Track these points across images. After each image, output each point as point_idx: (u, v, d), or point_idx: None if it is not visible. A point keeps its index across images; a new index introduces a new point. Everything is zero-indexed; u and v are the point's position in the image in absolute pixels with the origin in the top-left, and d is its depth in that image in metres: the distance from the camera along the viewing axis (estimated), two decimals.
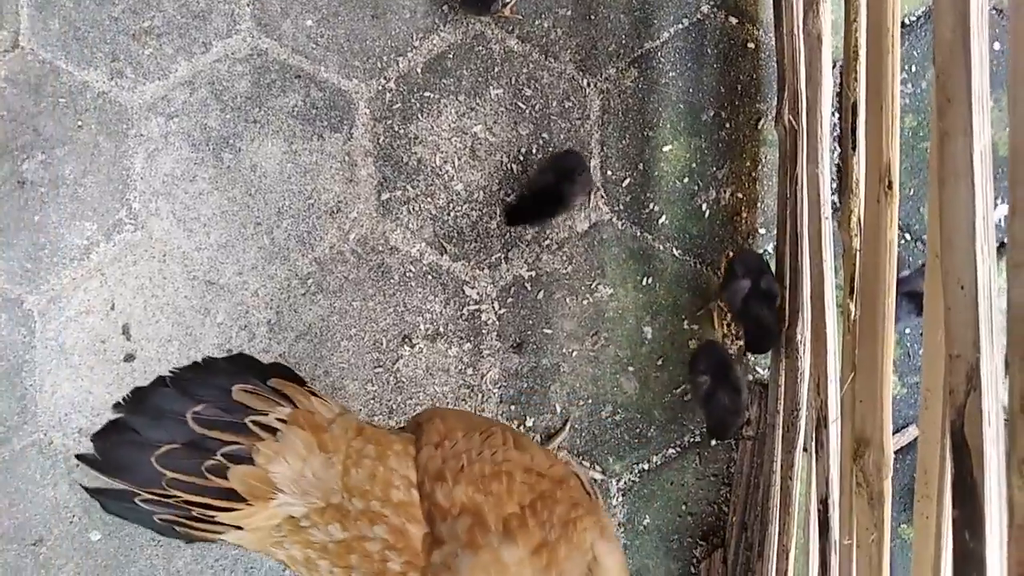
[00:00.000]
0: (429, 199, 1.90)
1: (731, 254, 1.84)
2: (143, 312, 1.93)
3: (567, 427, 1.87)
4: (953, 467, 0.82)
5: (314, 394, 1.28)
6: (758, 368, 1.87)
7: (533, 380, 1.89)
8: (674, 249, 1.88)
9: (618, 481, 1.87)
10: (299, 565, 1.22)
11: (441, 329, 1.90)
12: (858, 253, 1.17)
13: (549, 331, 1.89)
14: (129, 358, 1.93)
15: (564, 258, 1.89)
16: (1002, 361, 0.78)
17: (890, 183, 1.02)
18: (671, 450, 1.87)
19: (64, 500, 1.91)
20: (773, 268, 1.72)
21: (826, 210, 1.32)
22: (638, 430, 1.87)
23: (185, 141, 1.93)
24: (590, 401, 1.88)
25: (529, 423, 1.88)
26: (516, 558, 1.15)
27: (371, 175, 1.91)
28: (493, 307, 1.90)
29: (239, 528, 1.21)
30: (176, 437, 1.20)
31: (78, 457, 1.21)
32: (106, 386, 1.93)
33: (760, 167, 1.87)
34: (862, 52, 1.13)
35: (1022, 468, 0.68)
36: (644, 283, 1.88)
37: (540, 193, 1.80)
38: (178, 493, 1.19)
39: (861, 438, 1.08)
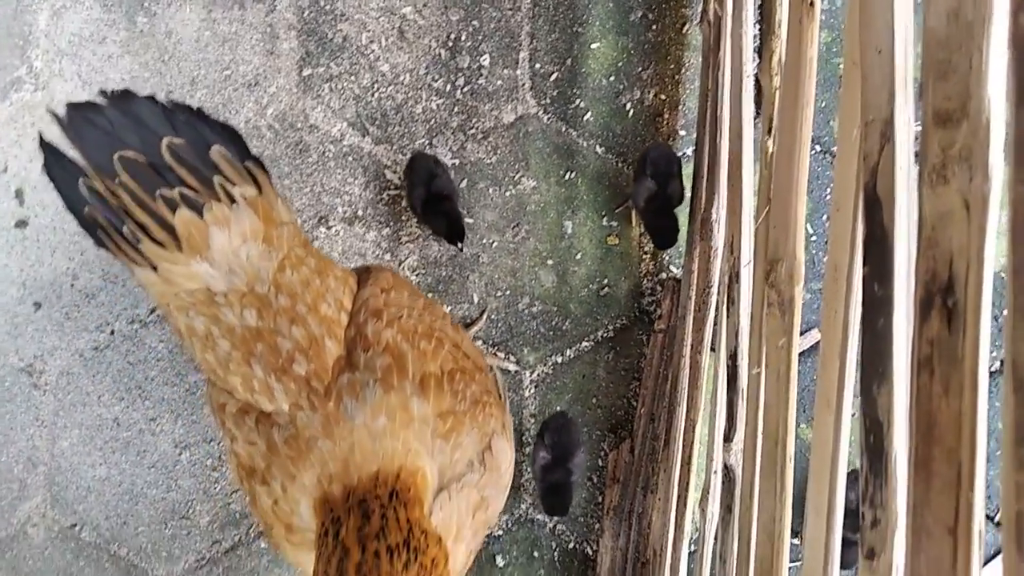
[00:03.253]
0: (353, 78, 1.86)
1: (643, 152, 1.86)
2: (39, 177, 1.81)
3: (484, 317, 1.86)
4: (865, 227, 0.85)
5: (282, 199, 1.25)
6: (672, 267, 1.91)
7: (452, 269, 1.87)
8: (597, 146, 1.90)
9: (531, 372, 1.87)
10: (195, 338, 1.16)
11: (359, 212, 1.86)
12: (777, 92, 1.21)
13: (470, 220, 1.87)
14: (21, 224, 1.81)
15: (489, 148, 1.88)
16: (914, 111, 0.82)
17: (812, 2, 1.06)
18: (585, 343, 1.88)
19: None
20: (692, 153, 1.76)
21: (748, 68, 1.36)
22: (554, 323, 1.88)
23: (96, 0, 1.83)
24: (508, 292, 1.88)
25: (446, 311, 1.86)
26: (423, 413, 1.13)
27: (293, 49, 1.85)
28: None
29: (154, 268, 1.14)
30: (145, 152, 1.12)
31: (48, 109, 1.14)
32: None
33: (684, 70, 1.91)
34: None
35: (932, 177, 0.70)
36: (566, 178, 1.89)
37: (426, 207, 1.77)
38: (124, 197, 1.11)
39: (774, 259, 1.11)
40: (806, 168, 1.09)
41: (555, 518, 1.85)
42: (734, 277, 1.37)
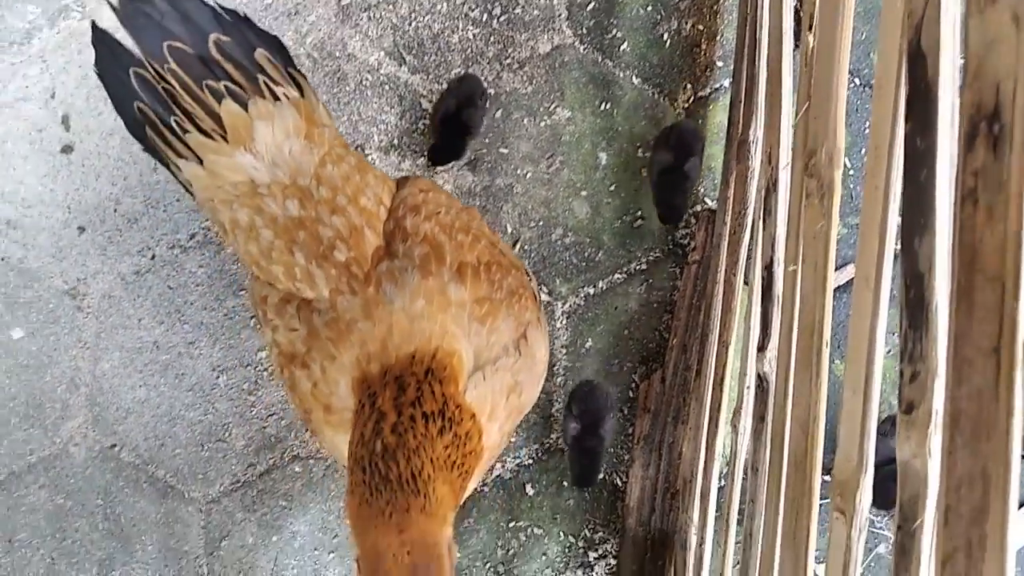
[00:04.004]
0: (391, 7, 1.88)
1: (671, 124, 1.86)
2: (85, 103, 1.85)
3: (517, 247, 1.87)
4: (908, 86, 0.84)
5: (323, 104, 1.31)
6: (707, 199, 1.89)
7: (486, 199, 1.88)
8: (633, 77, 1.89)
9: (563, 304, 1.87)
10: (239, 230, 1.19)
11: (395, 141, 1.88)
12: None
13: (505, 151, 1.88)
14: (67, 150, 1.86)
15: (524, 78, 1.89)
16: None
17: None
18: (618, 275, 1.87)
19: None
20: (730, 85, 1.74)
21: None
22: (587, 254, 1.87)
23: None
24: (541, 223, 1.88)
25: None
26: (459, 298, 1.14)
27: None
28: None
29: (200, 162, 1.18)
30: (192, 45, 1.19)
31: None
32: (39, 178, 1.85)
33: (722, 0, 1.89)
34: None
35: (980, 3, 0.69)
36: (602, 108, 1.88)
37: (445, 123, 1.80)
38: (173, 84, 1.18)
39: (813, 149, 1.10)
40: (847, 60, 1.08)
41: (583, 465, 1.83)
42: (771, 187, 1.36)
